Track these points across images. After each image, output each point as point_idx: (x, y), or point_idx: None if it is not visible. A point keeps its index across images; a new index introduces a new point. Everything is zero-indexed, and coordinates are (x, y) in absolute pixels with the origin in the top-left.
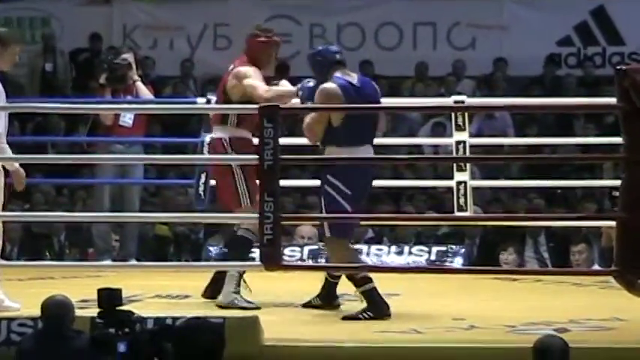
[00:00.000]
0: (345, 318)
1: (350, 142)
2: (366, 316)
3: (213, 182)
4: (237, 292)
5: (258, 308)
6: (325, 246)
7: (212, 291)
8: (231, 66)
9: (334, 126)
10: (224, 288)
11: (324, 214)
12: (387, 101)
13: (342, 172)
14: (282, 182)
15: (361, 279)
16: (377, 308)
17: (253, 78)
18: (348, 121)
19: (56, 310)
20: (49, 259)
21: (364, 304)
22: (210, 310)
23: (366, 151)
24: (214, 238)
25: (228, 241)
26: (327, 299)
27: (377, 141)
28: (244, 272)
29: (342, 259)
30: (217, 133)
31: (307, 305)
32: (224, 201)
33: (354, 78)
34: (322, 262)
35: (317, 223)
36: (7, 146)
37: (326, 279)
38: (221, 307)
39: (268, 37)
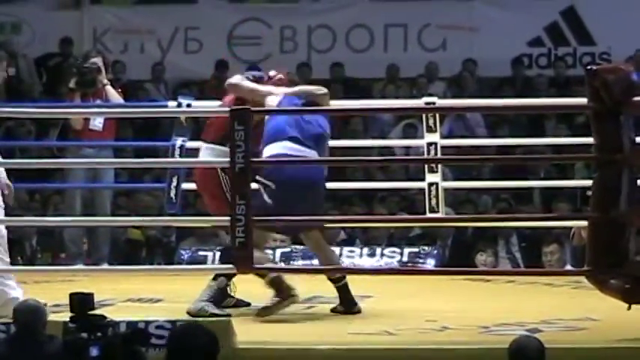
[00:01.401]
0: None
1: (267, 139)
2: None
3: (185, 186)
4: (209, 301)
5: (228, 316)
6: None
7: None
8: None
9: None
10: (198, 295)
11: (295, 217)
12: (358, 103)
13: (272, 170)
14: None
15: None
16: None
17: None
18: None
19: (28, 315)
20: (20, 264)
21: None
22: (182, 314)
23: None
24: (187, 241)
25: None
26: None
27: (348, 143)
28: (227, 285)
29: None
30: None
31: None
32: (213, 209)
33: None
34: (295, 264)
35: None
36: None
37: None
38: (190, 314)
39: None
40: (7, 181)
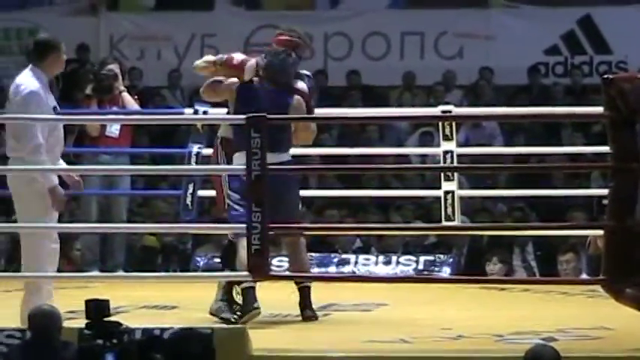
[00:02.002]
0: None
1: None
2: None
3: (201, 193)
4: (224, 300)
5: (236, 322)
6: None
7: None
8: None
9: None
10: (216, 296)
11: (311, 225)
12: (375, 111)
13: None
14: None
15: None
16: (250, 304)
17: None
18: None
19: (44, 320)
20: None
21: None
22: (198, 321)
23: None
24: (203, 248)
25: (223, 250)
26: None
27: (364, 150)
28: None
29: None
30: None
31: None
32: (219, 207)
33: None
34: (311, 272)
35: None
36: (46, 159)
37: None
38: (210, 313)
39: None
40: (56, 183)
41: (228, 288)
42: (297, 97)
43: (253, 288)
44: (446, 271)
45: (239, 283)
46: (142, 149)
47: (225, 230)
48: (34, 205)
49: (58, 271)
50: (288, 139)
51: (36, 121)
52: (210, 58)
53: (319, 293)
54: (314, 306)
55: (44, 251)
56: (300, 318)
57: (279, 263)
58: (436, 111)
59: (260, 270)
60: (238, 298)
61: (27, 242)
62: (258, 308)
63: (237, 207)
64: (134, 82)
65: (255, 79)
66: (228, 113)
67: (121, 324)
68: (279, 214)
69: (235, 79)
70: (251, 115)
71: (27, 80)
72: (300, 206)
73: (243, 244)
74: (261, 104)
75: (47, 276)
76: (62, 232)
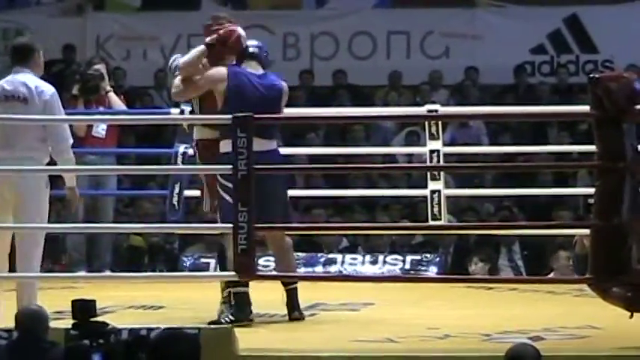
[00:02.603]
0: (211, 323)
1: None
2: (228, 319)
3: (187, 193)
4: (225, 303)
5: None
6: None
7: None
8: None
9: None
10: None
11: (298, 224)
12: (361, 111)
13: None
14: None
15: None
16: (242, 312)
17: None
18: (226, 105)
19: (31, 321)
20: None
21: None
22: (184, 321)
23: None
24: (192, 248)
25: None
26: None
27: (351, 150)
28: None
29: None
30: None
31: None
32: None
33: (257, 71)
34: (298, 271)
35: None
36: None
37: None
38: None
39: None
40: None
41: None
42: (283, 81)
43: (247, 294)
44: (433, 271)
45: (234, 284)
46: (128, 149)
47: (212, 230)
48: (43, 206)
49: (49, 271)
50: (275, 126)
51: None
52: (198, 49)
53: (306, 293)
54: (301, 306)
55: (40, 252)
56: (287, 318)
57: (266, 263)
58: (422, 110)
59: (247, 270)
60: (224, 298)
61: (30, 243)
62: (251, 320)
63: (227, 198)
64: (119, 82)
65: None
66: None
67: (107, 324)
68: (269, 212)
69: (215, 71)
70: (237, 114)
71: (40, 82)
72: (288, 204)
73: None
74: (257, 91)
75: (33, 276)
76: (52, 232)
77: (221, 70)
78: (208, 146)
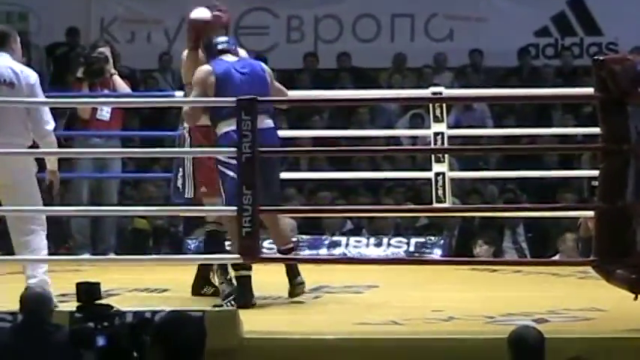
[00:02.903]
0: (215, 306)
1: (219, 116)
2: (231, 303)
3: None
4: (225, 282)
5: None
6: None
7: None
8: None
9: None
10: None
11: (302, 207)
12: (365, 93)
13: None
14: None
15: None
16: (243, 297)
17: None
18: (224, 95)
19: (35, 303)
20: None
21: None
22: (188, 304)
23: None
24: (199, 231)
25: (206, 239)
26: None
27: (355, 133)
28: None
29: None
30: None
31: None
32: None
33: (235, 59)
34: (302, 254)
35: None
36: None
37: None
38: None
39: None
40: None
41: (221, 271)
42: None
43: (249, 277)
44: (437, 253)
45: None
46: (132, 132)
47: (216, 213)
48: (35, 190)
49: (55, 254)
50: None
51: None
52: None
53: (310, 275)
54: (305, 289)
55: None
56: (290, 300)
57: (271, 245)
58: (426, 93)
59: (251, 252)
60: (214, 280)
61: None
62: (254, 304)
63: (229, 172)
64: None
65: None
66: None
67: (112, 307)
68: (270, 191)
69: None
70: (242, 97)
71: (23, 66)
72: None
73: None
74: (242, 75)
75: (38, 259)
76: (57, 215)
77: (204, 69)
78: (205, 133)
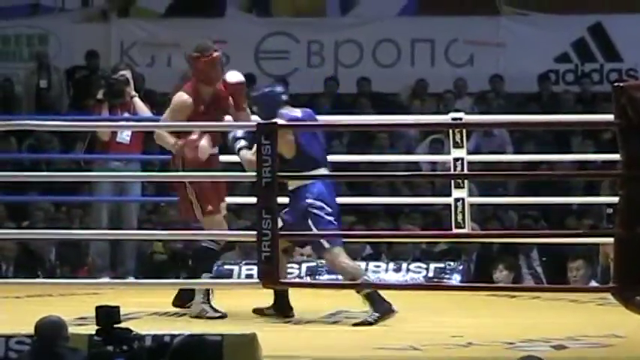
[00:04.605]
0: (356, 325)
1: (307, 169)
2: (374, 318)
3: None
4: (206, 303)
5: (224, 317)
6: (326, 259)
7: (179, 300)
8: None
9: (288, 159)
10: (195, 298)
11: (321, 232)
12: (385, 118)
13: (320, 194)
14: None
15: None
16: (381, 307)
17: (171, 113)
18: (300, 151)
19: (48, 330)
20: (41, 277)
21: (368, 308)
22: (207, 328)
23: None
24: (229, 254)
25: (194, 252)
26: (280, 310)
27: (374, 158)
28: None
29: (345, 265)
30: None
31: (258, 312)
32: (182, 213)
33: (297, 113)
34: (321, 279)
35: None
36: None
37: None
38: (192, 316)
39: (210, 54)
40: None
41: (206, 290)
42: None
43: (376, 292)
44: (456, 279)
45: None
46: (152, 156)
47: (236, 238)
48: None
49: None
50: None
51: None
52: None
53: (329, 300)
54: (324, 313)
55: None
56: (309, 324)
57: (290, 270)
58: (446, 118)
59: (270, 277)
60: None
61: None
62: (393, 311)
63: (324, 215)
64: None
65: None
66: None
67: (131, 330)
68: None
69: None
70: (262, 122)
71: None
72: None
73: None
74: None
75: (58, 283)
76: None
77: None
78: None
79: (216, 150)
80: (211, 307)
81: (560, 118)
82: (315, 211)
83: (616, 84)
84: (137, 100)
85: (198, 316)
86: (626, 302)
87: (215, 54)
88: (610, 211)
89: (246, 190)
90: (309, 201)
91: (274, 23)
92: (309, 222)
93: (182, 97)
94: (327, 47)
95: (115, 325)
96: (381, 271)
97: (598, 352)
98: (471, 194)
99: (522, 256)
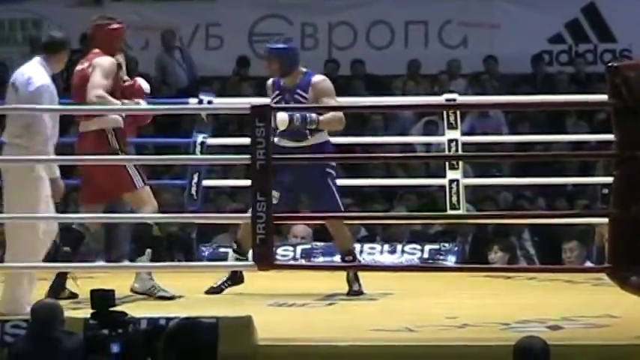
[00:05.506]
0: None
1: None
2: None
3: (206, 182)
4: (152, 279)
5: (173, 298)
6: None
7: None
8: (86, 63)
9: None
10: (139, 275)
11: (316, 214)
12: (379, 100)
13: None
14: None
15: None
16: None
17: (102, 73)
18: None
19: (44, 314)
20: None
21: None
22: (203, 311)
23: None
24: (221, 237)
25: (134, 232)
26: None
27: (369, 140)
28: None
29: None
30: (94, 125)
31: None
32: (112, 190)
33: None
34: (316, 261)
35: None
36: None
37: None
38: (137, 292)
39: (119, 24)
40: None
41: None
42: None
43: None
44: (451, 260)
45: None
46: (146, 139)
47: (231, 220)
48: (31, 193)
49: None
50: None
51: (45, 112)
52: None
53: (324, 282)
54: (319, 296)
55: (35, 241)
56: (305, 307)
57: (285, 252)
58: (440, 100)
59: (265, 259)
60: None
61: (18, 232)
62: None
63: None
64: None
65: None
66: None
67: (126, 314)
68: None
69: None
70: (256, 104)
71: (38, 73)
72: None
73: None
74: None
75: (51, 267)
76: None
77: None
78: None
79: None
80: (158, 285)
81: (554, 99)
82: (331, 171)
83: (610, 64)
84: (140, 80)
85: (147, 293)
86: (622, 282)
87: (116, 25)
88: (605, 191)
89: (241, 173)
90: (328, 169)
91: (268, 5)
92: (329, 181)
93: (107, 58)
94: (320, 30)
95: (110, 309)
96: (376, 253)
97: (593, 332)
98: (465, 175)
99: (513, 237)
